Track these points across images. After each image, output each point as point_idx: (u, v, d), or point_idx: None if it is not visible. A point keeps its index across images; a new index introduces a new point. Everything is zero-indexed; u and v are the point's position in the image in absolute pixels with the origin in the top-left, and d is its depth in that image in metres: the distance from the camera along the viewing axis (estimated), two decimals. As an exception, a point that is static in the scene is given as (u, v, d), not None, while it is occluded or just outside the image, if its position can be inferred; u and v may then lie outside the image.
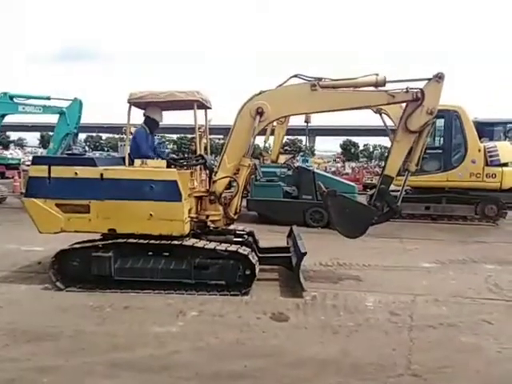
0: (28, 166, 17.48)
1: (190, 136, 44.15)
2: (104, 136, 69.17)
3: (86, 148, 63.24)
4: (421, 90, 4.72)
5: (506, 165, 9.95)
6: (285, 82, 4.95)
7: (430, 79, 4.77)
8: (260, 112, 4.82)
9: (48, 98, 10.62)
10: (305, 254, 4.59)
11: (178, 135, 52.05)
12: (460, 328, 3.68)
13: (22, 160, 24.60)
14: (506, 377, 2.87)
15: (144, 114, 5.37)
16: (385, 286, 4.87)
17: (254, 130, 4.85)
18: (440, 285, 4.97)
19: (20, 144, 65.39)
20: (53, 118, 11.46)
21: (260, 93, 4.96)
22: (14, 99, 10.70)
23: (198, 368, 2.89)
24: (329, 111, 5.23)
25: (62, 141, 10.82)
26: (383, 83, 4.84)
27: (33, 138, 71.13)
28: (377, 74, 4.86)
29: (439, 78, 4.72)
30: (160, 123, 5.45)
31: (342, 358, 3.07)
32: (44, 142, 66.89)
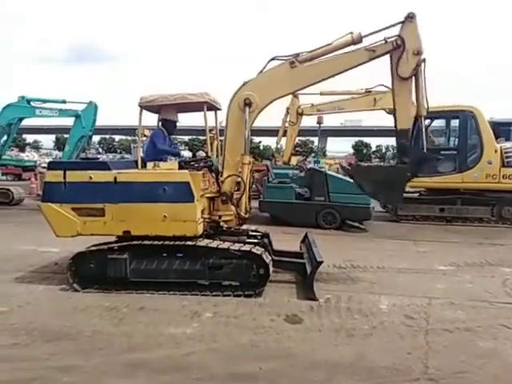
0: (44, 168, 17.89)
1: (201, 138, 44.46)
2: (117, 138, 70.09)
3: (100, 150, 64.23)
4: (398, 36, 4.65)
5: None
6: (264, 67, 4.97)
7: (402, 22, 4.69)
8: (248, 103, 4.86)
9: (64, 102, 10.83)
10: (321, 262, 4.59)
11: (190, 137, 52.37)
12: (477, 332, 3.62)
13: (38, 162, 25.13)
14: (525, 383, 2.82)
15: (159, 118, 5.45)
16: (399, 289, 4.82)
17: (245, 122, 4.88)
18: (456, 288, 4.90)
19: (35, 146, 66.68)
20: (68, 121, 11.70)
21: (243, 84, 4.98)
22: (31, 103, 10.93)
23: (212, 369, 2.92)
24: (315, 83, 5.15)
25: (77, 143, 11.02)
26: (360, 39, 4.78)
27: (48, 141, 72.43)
28: (351, 32, 4.81)
29: (411, 18, 4.66)
30: (177, 123, 5.51)
31: (357, 362, 3.06)
32: (59, 145, 68.04)
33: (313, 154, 41.01)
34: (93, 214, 4.63)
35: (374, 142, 61.11)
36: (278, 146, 16.62)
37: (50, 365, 2.93)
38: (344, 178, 11.05)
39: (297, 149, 31.08)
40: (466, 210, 9.86)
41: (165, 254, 4.58)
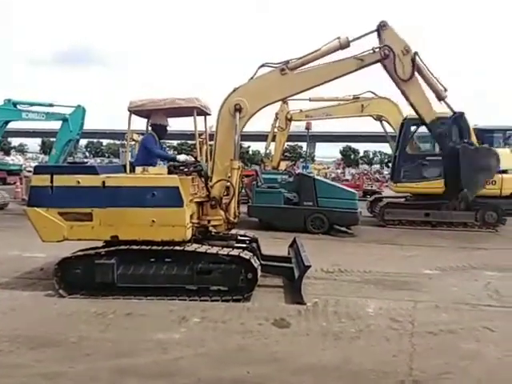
0: (29, 171, 17.61)
1: (190, 142, 44.37)
2: (105, 142, 69.43)
3: (87, 154, 63.51)
4: (386, 46, 4.79)
5: (505, 172, 10.01)
6: (254, 73, 5.05)
7: (377, 31, 4.89)
8: (238, 108, 4.93)
9: (51, 105, 10.72)
10: (309, 267, 4.63)
11: (179, 141, 52.22)
12: (460, 334, 3.70)
13: (24, 166, 24.73)
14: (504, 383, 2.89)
15: (150, 123, 5.46)
16: (386, 293, 4.90)
17: (236, 127, 4.94)
18: (441, 291, 4.99)
19: (21, 150, 65.52)
20: (54, 124, 11.57)
21: (234, 90, 5.04)
22: (18, 106, 10.79)
23: (200, 374, 2.92)
24: (305, 90, 5.26)
25: (64, 147, 10.91)
26: (347, 44, 4.90)
27: (34, 144, 71.32)
28: (339, 37, 4.92)
29: (383, 26, 4.86)
30: (168, 128, 5.52)
31: (344, 365, 3.09)
32: (45, 148, 66.98)
33: (301, 159, 41.33)
34: (80, 218, 4.59)
35: (361, 147, 61.92)
36: (267, 151, 16.73)
37: (35, 372, 2.89)
38: (333, 183, 11.20)
39: (285, 154, 31.29)
40: (451, 215, 10.04)
41: (153, 259, 4.57)
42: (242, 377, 2.89)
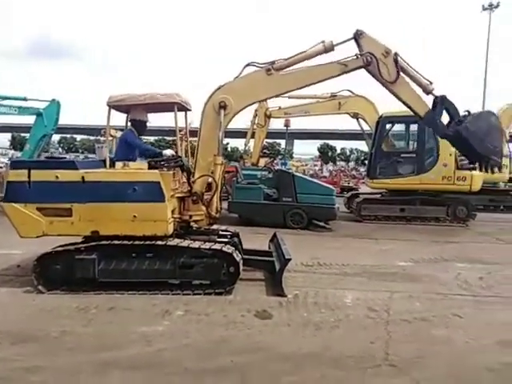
0: (1, 167, 16.98)
1: (168, 138, 43.81)
2: (78, 138, 67.58)
3: (60, 150, 61.58)
4: (367, 52, 4.95)
5: (475, 169, 10.45)
6: (240, 72, 5.13)
7: (355, 40, 5.04)
8: (223, 106, 4.98)
9: (25, 99, 10.39)
10: (289, 260, 4.74)
11: (156, 137, 51.47)
12: (432, 322, 3.91)
13: (-6, 161, 23.80)
14: (473, 366, 3.09)
15: (130, 119, 5.41)
16: (363, 284, 5.08)
17: (220, 124, 5.00)
18: (414, 282, 5.22)
19: (-11, 145, 62.90)
20: (24, 119, 11.19)
21: (219, 87, 5.10)
22: (-12, 100, 10.40)
23: (185, 364, 2.98)
24: (289, 91, 5.41)
25: (38, 142, 10.59)
26: (331, 48, 5.04)
27: (3, 139, 68.64)
28: (323, 41, 5.07)
29: (360, 34, 5.02)
30: (148, 123, 5.49)
31: (324, 352, 3.22)
32: (15, 144, 64.57)
33: (280, 156, 41.59)
34: (59, 214, 4.53)
35: (339, 144, 62.85)
36: (247, 147, 16.78)
37: (17, 366, 2.88)
38: (311, 179, 11.38)
39: (264, 151, 31.42)
40: (424, 210, 10.43)
41: (135, 254, 4.56)
42: (225, 366, 2.97)
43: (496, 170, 4.93)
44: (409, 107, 5.17)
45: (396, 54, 4.97)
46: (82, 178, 4.53)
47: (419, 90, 5.27)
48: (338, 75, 5.16)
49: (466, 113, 5.16)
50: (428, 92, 5.13)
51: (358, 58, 5.00)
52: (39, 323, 3.64)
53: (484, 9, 32.37)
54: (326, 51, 5.03)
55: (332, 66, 5.12)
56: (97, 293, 4.41)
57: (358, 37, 4.97)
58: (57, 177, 4.52)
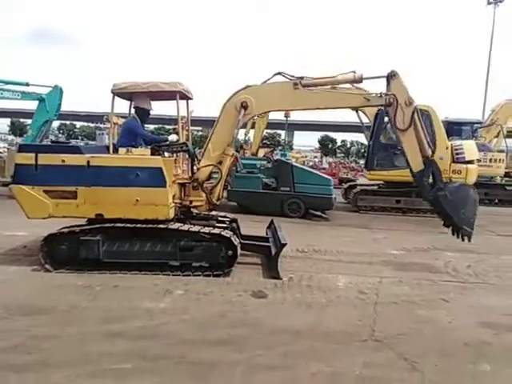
0: (0, 153, 17.05)
1: (167, 127, 43.81)
2: (78, 124, 67.40)
3: (60, 136, 61.44)
4: (392, 94, 5.11)
5: (470, 162, 10.64)
6: (269, 78, 5.27)
7: (387, 79, 5.15)
8: (244, 106, 5.13)
9: (27, 84, 10.48)
10: (285, 244, 4.95)
11: (156, 126, 51.42)
12: (419, 304, 4.14)
13: (-5, 147, 23.89)
14: (453, 341, 3.33)
15: (133, 106, 5.57)
16: (355, 270, 5.31)
17: (238, 122, 5.16)
18: (405, 269, 5.45)
19: (-12, 130, 62.70)
20: (24, 105, 11.24)
21: (246, 87, 5.26)
22: (-9, 84, 10.50)
23: (185, 336, 3.21)
24: (308, 109, 5.59)
25: (41, 128, 10.74)
26: (360, 80, 5.21)
27: (2, 125, 68.40)
28: (354, 72, 5.23)
29: (393, 75, 5.14)
30: (150, 111, 5.65)
31: (315, 328, 3.45)
32: (14, 129, 64.39)
33: (279, 147, 41.65)
34: (65, 196, 4.72)
35: (339, 137, 62.82)
36: (247, 137, 16.92)
37: (30, 334, 3.10)
38: (309, 169, 11.56)
39: (264, 141, 31.49)
40: (420, 202, 10.59)
41: (137, 237, 4.77)
42: (223, 338, 3.20)
43: (466, 239, 5.24)
44: (405, 157, 5.36)
45: (416, 108, 5.13)
46: (88, 162, 4.71)
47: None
48: (358, 107, 5.34)
49: (448, 180, 5.58)
50: (424, 155, 5.30)
51: (381, 96, 5.16)
52: (48, 298, 3.86)
53: (489, 3, 32.23)
54: (355, 82, 5.21)
55: (356, 97, 5.32)
56: (101, 272, 4.63)
57: (390, 77, 5.12)
58: (63, 161, 4.71)
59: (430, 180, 5.33)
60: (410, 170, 5.37)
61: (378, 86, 5.42)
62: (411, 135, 5.20)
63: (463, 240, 5.22)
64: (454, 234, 5.35)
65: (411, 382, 2.69)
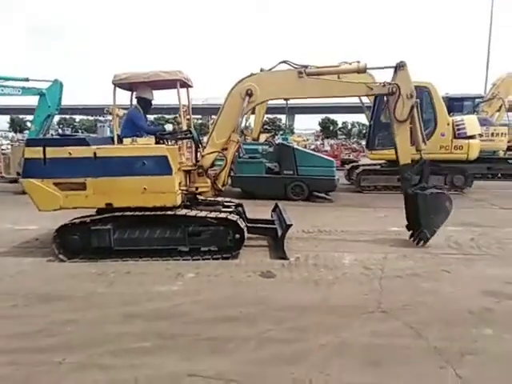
0: (3, 150, 17.17)
1: (167, 116, 43.68)
2: (78, 118, 67.31)
3: (60, 131, 61.48)
4: (396, 84, 5.16)
5: (472, 137, 10.65)
6: (274, 66, 5.32)
7: (395, 69, 5.19)
8: (249, 93, 5.18)
9: (27, 80, 10.53)
10: (290, 225, 5.06)
11: (156, 115, 51.28)
12: (423, 277, 4.27)
13: (-2, 144, 24.01)
14: (457, 310, 3.46)
15: (135, 96, 5.63)
16: (360, 247, 5.44)
17: (242, 109, 5.23)
18: (407, 244, 5.56)
19: (-12, 128, 62.76)
20: (22, 101, 11.23)
21: (250, 75, 5.30)
22: (-9, 81, 10.54)
23: (199, 315, 3.36)
24: (312, 97, 5.64)
25: (43, 123, 10.81)
26: (364, 70, 5.25)
27: (2, 122, 68.40)
28: (358, 61, 5.27)
29: (402, 66, 5.19)
30: (152, 101, 5.71)
31: (322, 303, 3.59)
32: (14, 126, 64.39)
33: (280, 132, 41.53)
34: (74, 188, 4.83)
35: (340, 118, 62.43)
36: (247, 123, 16.89)
37: (52, 320, 3.26)
38: (312, 152, 11.60)
39: (265, 127, 31.38)
40: (422, 179, 10.67)
41: (146, 224, 4.89)
42: (235, 315, 3.35)
43: (421, 243, 5.38)
44: (396, 149, 5.45)
45: (416, 102, 5.17)
46: (94, 153, 4.81)
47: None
48: (361, 95, 5.36)
49: (432, 185, 5.67)
50: (418, 149, 5.38)
51: (384, 86, 5.20)
52: (65, 286, 4.02)
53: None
54: (359, 72, 5.22)
55: (359, 86, 5.33)
56: (113, 260, 4.78)
57: (399, 67, 5.14)
58: (70, 153, 4.80)
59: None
60: (397, 160, 5.51)
61: (382, 76, 5.50)
62: (406, 128, 5.33)
63: (418, 243, 5.42)
64: (409, 231, 5.58)
65: (417, 348, 2.83)
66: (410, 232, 5.62)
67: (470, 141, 10.49)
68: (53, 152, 4.82)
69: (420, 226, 5.38)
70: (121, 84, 5.43)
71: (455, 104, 14.32)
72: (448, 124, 10.41)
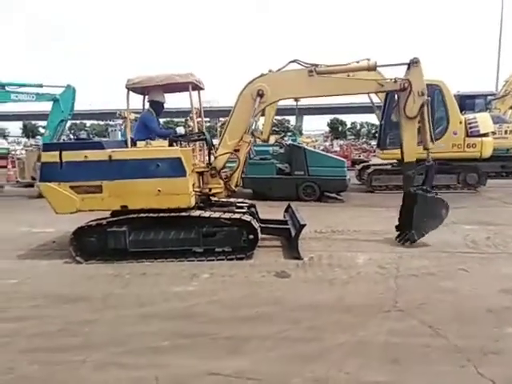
0: (17, 155, 17.45)
1: (176, 120, 44.05)
2: (88, 123, 68.27)
3: (71, 136, 62.39)
4: (408, 80, 5.13)
5: (485, 135, 10.51)
6: (284, 66, 5.33)
7: (408, 65, 5.16)
8: (260, 94, 5.20)
9: (40, 86, 10.72)
10: (304, 225, 5.06)
11: (164, 119, 51.71)
12: (439, 276, 4.23)
13: (11, 149, 24.43)
14: (475, 308, 3.42)
15: (148, 100, 5.70)
16: (374, 247, 5.41)
17: (254, 110, 5.25)
18: (423, 243, 5.49)
19: (1, 134, 64.04)
20: (34, 107, 11.41)
21: (261, 75, 5.33)
22: (6, 87, 10.75)
23: (215, 315, 3.38)
24: (323, 96, 5.64)
25: (57, 128, 11.00)
26: (374, 67, 5.24)
27: (15, 128, 69.74)
28: (368, 59, 5.26)
29: (415, 62, 5.16)
30: (164, 104, 5.78)
31: (338, 303, 3.59)
32: (27, 131, 65.58)
33: (289, 133, 41.47)
34: (91, 191, 4.91)
35: (348, 119, 62.18)
36: (256, 126, 16.93)
37: (71, 320, 3.31)
38: (323, 152, 11.57)
39: (274, 128, 31.37)
40: (435, 178, 10.54)
41: (161, 225, 4.94)
42: (251, 315, 3.36)
43: (407, 243, 5.36)
44: (401, 145, 5.43)
45: (427, 101, 5.16)
46: (109, 156, 4.88)
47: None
48: (372, 92, 5.34)
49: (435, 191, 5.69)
50: (425, 148, 5.35)
51: (396, 82, 5.18)
52: (83, 287, 4.08)
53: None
54: (369, 69, 5.23)
55: (370, 83, 5.34)
56: (129, 261, 4.84)
57: (412, 63, 5.13)
58: (86, 157, 4.88)
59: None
60: (402, 158, 5.48)
61: (392, 75, 5.47)
62: (414, 125, 5.30)
63: (404, 243, 5.40)
64: (397, 230, 5.57)
65: (436, 347, 2.80)
66: (398, 233, 5.58)
67: (483, 139, 10.34)
68: (69, 156, 4.91)
69: (411, 227, 5.35)
70: (134, 88, 5.50)
71: (467, 102, 14.15)
72: (460, 122, 10.29)
